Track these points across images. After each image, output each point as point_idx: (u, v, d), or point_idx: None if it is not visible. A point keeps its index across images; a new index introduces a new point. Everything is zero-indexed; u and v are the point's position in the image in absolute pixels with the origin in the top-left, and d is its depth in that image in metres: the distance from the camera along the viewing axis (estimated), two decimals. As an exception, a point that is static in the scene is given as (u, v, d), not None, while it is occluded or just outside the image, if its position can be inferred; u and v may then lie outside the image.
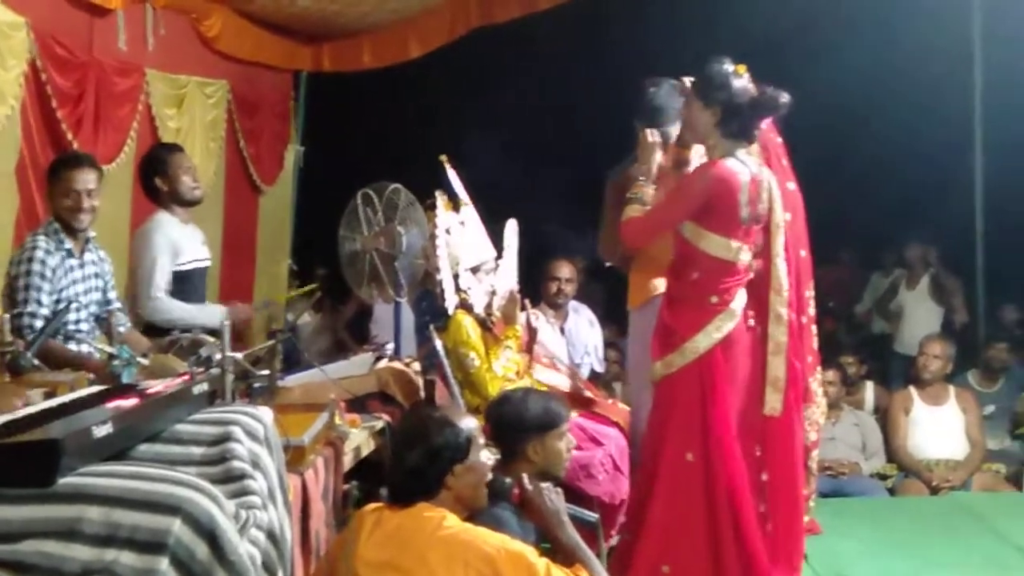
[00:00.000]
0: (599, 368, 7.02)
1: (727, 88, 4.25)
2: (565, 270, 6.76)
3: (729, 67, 4.28)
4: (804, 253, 5.05)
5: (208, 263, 5.40)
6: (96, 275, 4.64)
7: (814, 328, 5.06)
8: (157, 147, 5.60)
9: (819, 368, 5.31)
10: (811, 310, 5.06)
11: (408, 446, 3.08)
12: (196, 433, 2.59)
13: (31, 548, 2.17)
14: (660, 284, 4.79)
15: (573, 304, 6.88)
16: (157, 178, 5.14)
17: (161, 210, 5.15)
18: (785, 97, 4.29)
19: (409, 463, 3.04)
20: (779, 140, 4.99)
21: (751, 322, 4.34)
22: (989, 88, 8.37)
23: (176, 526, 2.20)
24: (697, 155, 4.72)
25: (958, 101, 8.35)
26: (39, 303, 4.29)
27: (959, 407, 6.91)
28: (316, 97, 8.94)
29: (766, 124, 4.94)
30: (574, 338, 6.76)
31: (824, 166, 5.00)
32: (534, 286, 6.55)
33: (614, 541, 4.67)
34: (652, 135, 4.53)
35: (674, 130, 4.90)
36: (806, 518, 5.10)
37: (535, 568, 2.87)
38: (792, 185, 5.01)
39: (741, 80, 4.27)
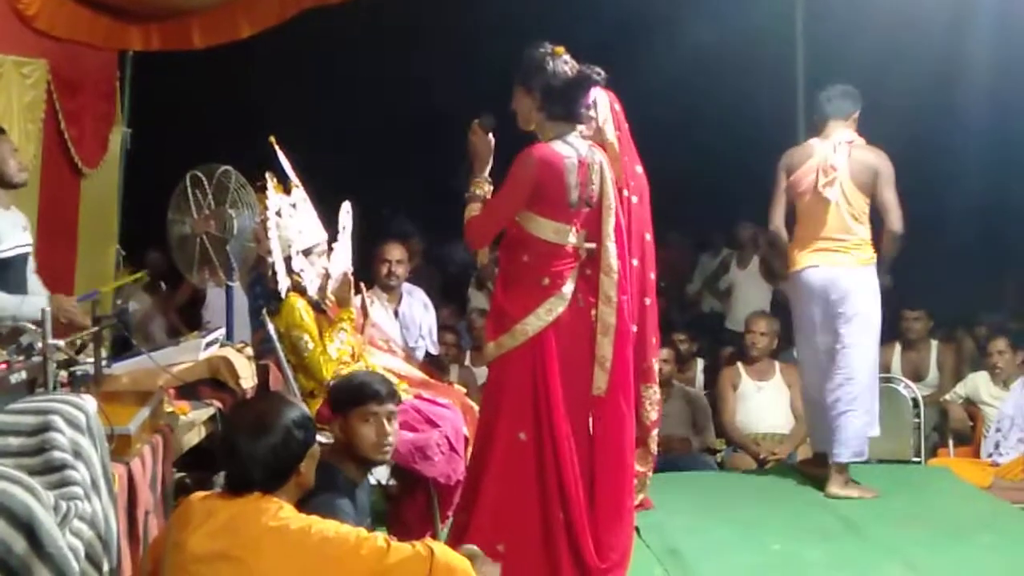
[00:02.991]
0: (434, 350, 7.04)
1: (543, 71, 4.25)
2: (396, 252, 6.71)
3: (546, 49, 4.28)
4: (648, 236, 5.16)
5: (30, 249, 5.21)
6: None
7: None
8: None
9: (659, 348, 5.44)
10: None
11: (257, 434, 2.95)
12: (13, 423, 2.52)
13: None
14: (802, 258, 5.90)
15: (407, 286, 6.87)
16: None
17: (-21, 193, 4.97)
18: (600, 72, 4.30)
19: (260, 451, 2.92)
20: (626, 124, 5.08)
21: (582, 303, 4.33)
22: (812, 71, 8.64)
23: (-9, 519, 2.14)
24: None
25: (783, 85, 8.58)
26: None
27: (784, 382, 7.12)
28: (144, 77, 8.70)
29: (619, 107, 5.02)
30: (408, 321, 6.76)
31: (654, 151, 5.09)
32: (369, 269, 6.54)
33: (450, 522, 4.70)
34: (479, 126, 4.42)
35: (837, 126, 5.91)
36: (641, 495, 5.23)
37: (378, 549, 2.84)
38: (639, 168, 5.10)
39: (558, 61, 4.26)
